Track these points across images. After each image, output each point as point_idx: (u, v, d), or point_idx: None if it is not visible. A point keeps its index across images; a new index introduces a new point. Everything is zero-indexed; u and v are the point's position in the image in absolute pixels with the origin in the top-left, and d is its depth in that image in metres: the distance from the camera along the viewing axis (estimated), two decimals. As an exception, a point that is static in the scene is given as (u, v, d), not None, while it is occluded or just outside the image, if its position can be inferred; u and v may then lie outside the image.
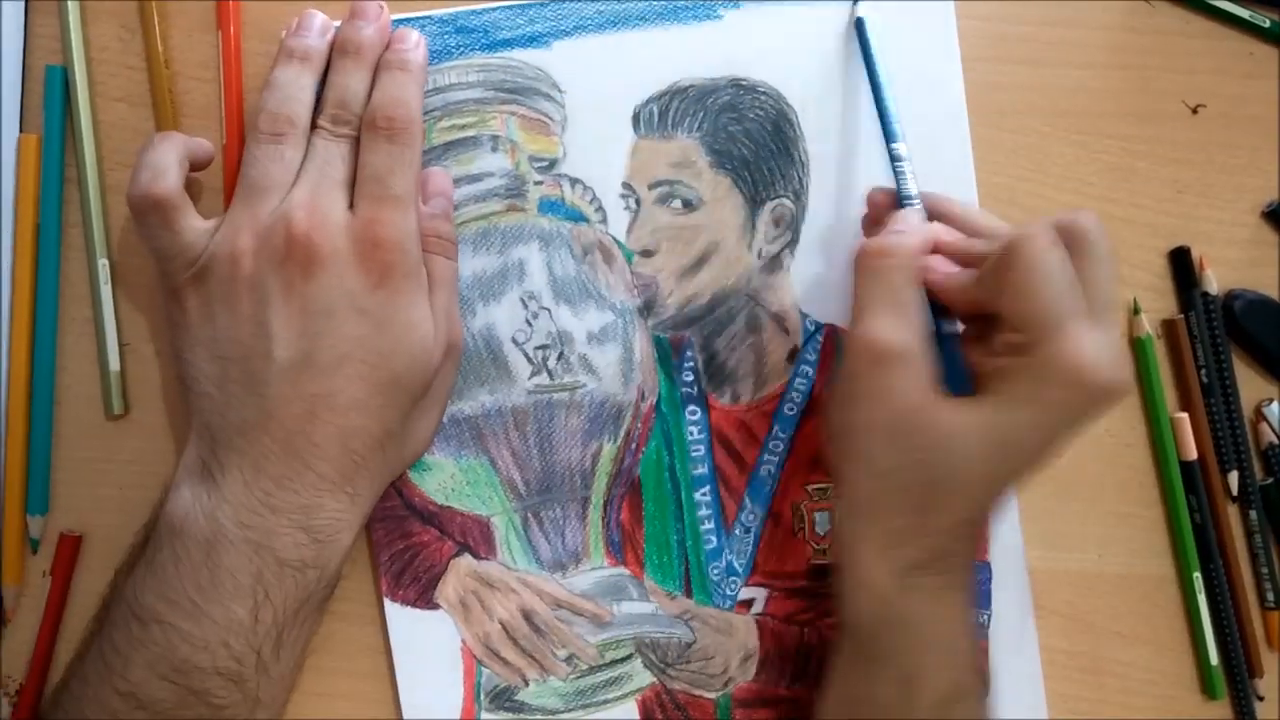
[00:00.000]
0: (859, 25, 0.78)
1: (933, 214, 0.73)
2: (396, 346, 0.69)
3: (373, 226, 0.69)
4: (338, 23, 0.75)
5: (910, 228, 0.71)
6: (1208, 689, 0.82)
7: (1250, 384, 0.83)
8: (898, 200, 0.73)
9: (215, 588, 0.67)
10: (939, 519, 0.67)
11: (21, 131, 0.77)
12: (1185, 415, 0.82)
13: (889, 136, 0.74)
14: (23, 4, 0.77)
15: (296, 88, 0.72)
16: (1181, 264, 0.82)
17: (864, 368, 0.68)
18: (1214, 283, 0.82)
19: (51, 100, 0.76)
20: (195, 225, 0.70)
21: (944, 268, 0.70)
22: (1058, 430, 0.66)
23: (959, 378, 0.68)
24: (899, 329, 0.67)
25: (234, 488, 0.67)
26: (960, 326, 0.71)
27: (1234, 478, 0.82)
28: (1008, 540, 0.80)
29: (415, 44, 0.74)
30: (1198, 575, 0.81)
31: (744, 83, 0.78)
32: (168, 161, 0.71)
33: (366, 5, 0.74)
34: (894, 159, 0.74)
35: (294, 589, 0.68)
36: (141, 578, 0.68)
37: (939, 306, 0.70)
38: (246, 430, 0.68)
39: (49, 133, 0.76)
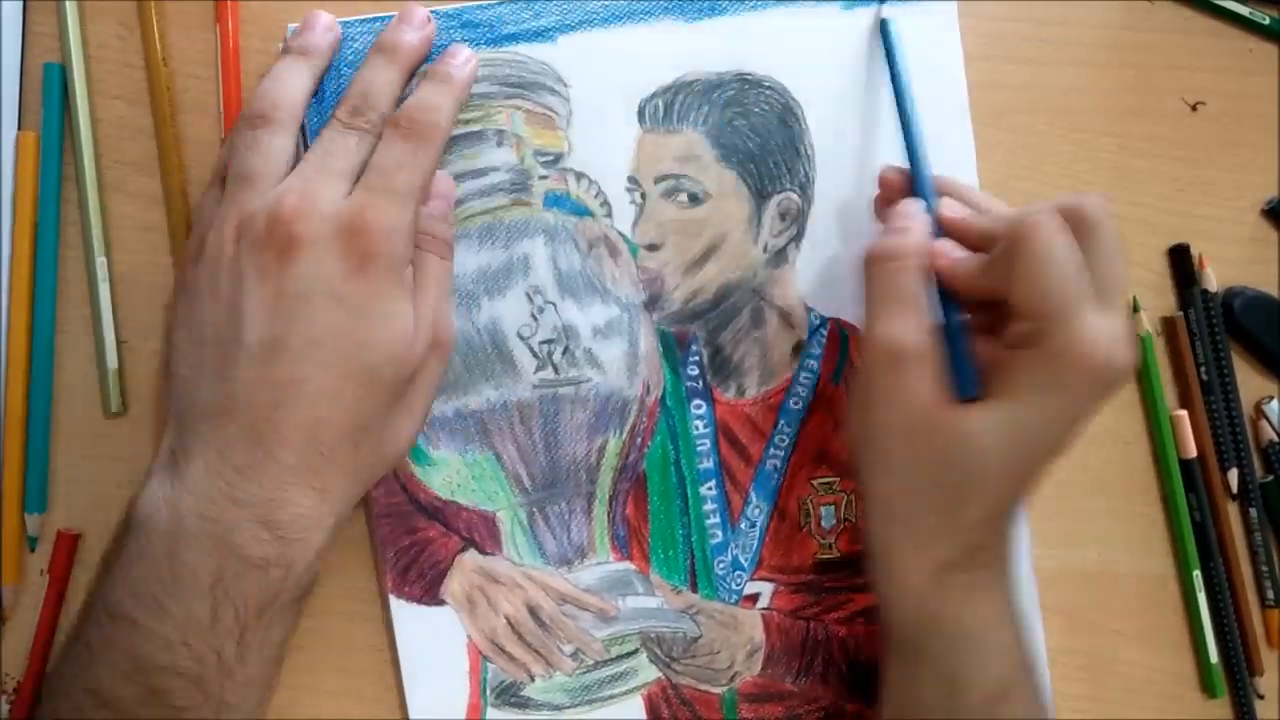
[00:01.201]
0: (884, 27, 0.78)
1: (941, 191, 0.73)
2: (372, 337, 0.67)
3: (362, 212, 0.67)
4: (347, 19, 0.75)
5: (915, 221, 0.71)
6: (1208, 687, 0.82)
7: (1250, 381, 0.84)
8: (910, 179, 0.74)
9: (176, 583, 0.64)
10: (968, 515, 0.67)
11: (20, 129, 0.76)
12: (1185, 413, 0.82)
13: (910, 138, 0.75)
14: (21, 2, 0.77)
15: (287, 75, 0.72)
16: (1181, 262, 0.83)
17: (879, 370, 0.68)
18: (1213, 280, 0.82)
19: (50, 98, 0.76)
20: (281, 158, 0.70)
21: (952, 253, 0.70)
22: (1075, 418, 0.67)
23: (967, 379, 0.68)
24: (911, 330, 0.67)
25: (197, 476, 0.65)
26: (967, 317, 0.71)
27: (1234, 475, 0.83)
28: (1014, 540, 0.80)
29: (465, 60, 0.74)
30: (1197, 573, 0.82)
31: (750, 76, 0.78)
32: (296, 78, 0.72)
33: (415, 10, 0.74)
34: (911, 153, 0.74)
35: (256, 588, 0.65)
36: (111, 572, 0.66)
37: (948, 297, 0.70)
38: (213, 415, 0.66)
39: (47, 130, 0.76)
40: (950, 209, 0.72)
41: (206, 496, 0.65)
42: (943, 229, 0.71)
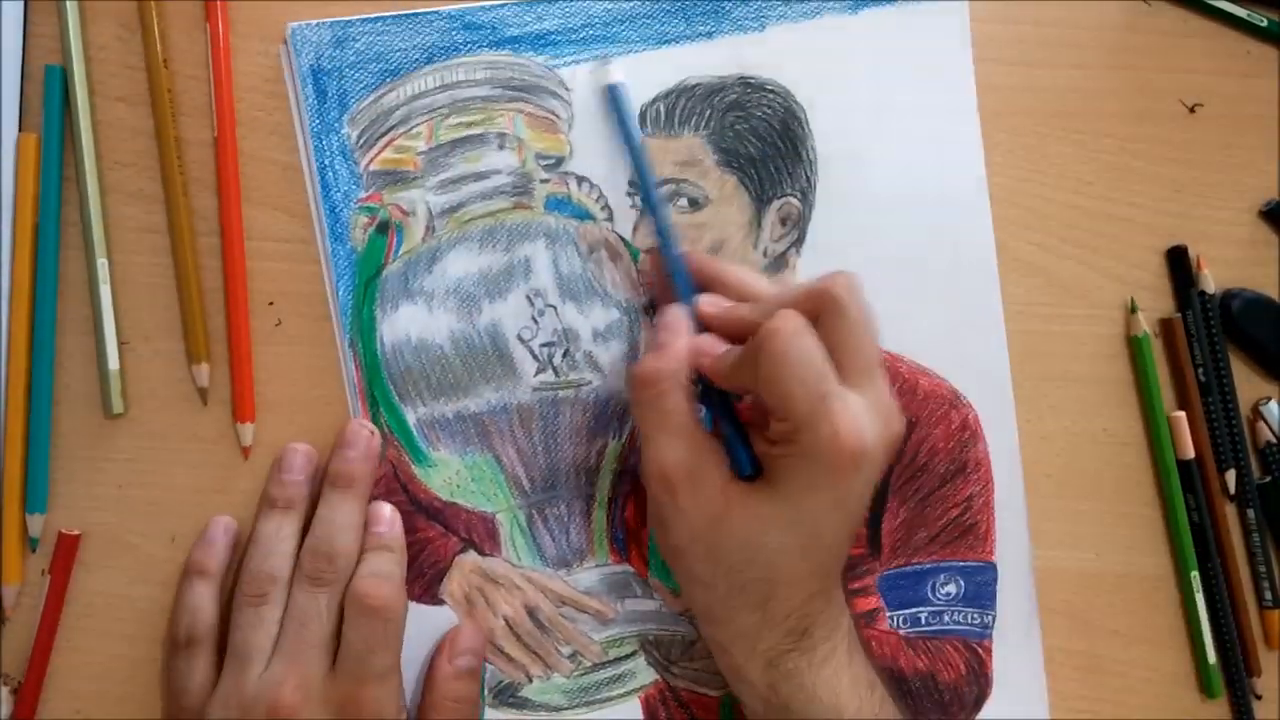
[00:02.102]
0: (613, 92, 0.77)
1: (702, 278, 0.74)
2: None
3: (351, 705, 0.69)
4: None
5: (675, 333, 0.72)
6: (1205, 688, 0.82)
7: (1248, 383, 0.84)
8: (664, 269, 0.75)
9: None
10: (780, 608, 0.68)
11: (20, 131, 0.76)
12: (1183, 414, 0.82)
13: (652, 209, 0.75)
14: (22, 4, 0.76)
15: (277, 540, 0.73)
16: (1179, 263, 0.83)
17: (660, 495, 0.69)
18: (1211, 282, 0.82)
19: (50, 100, 0.76)
20: (201, 679, 0.72)
21: (713, 350, 0.70)
22: (848, 502, 0.68)
23: (743, 461, 0.70)
24: (679, 451, 0.68)
25: None
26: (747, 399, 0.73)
27: (1232, 476, 0.83)
28: (1015, 542, 0.81)
29: (390, 522, 0.75)
30: (1195, 574, 0.82)
31: (753, 80, 0.78)
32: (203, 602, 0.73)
33: (356, 432, 0.75)
34: (661, 242, 0.75)
35: None
36: None
37: (720, 394, 0.72)
38: None
39: (48, 132, 0.76)
40: (708, 306, 0.73)
41: None
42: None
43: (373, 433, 0.75)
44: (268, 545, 0.73)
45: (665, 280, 0.75)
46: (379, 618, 0.70)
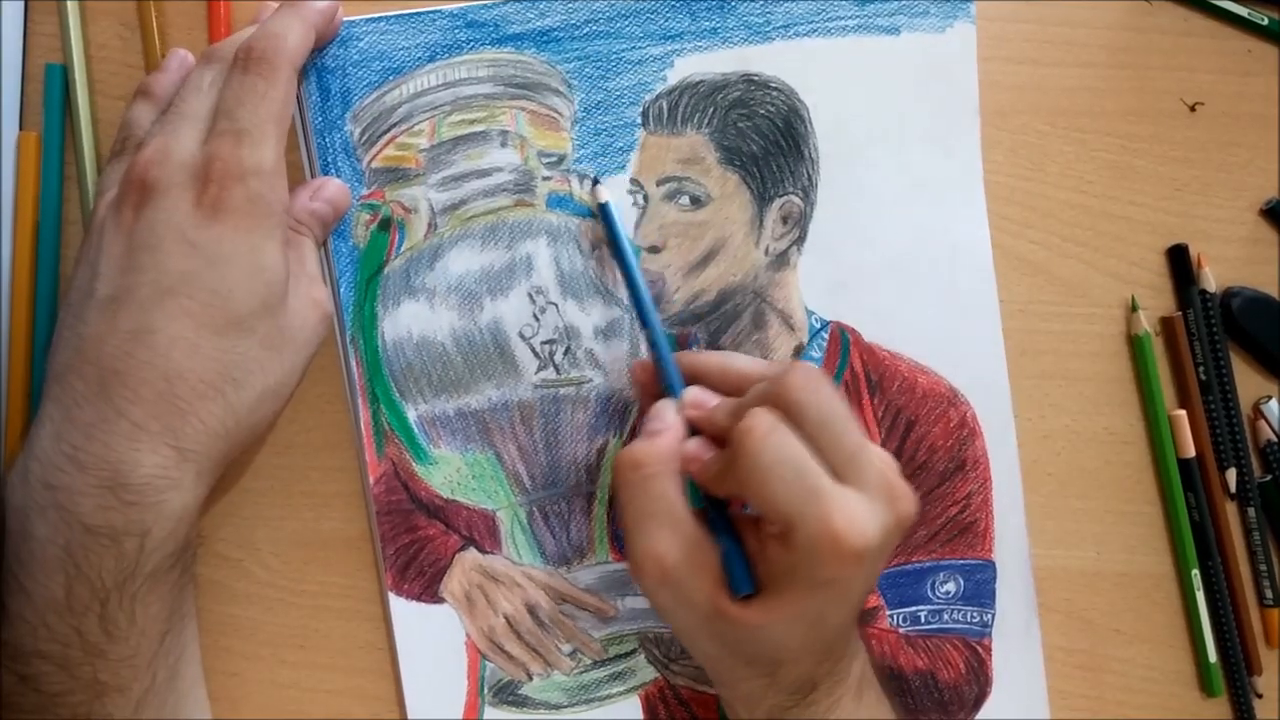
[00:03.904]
0: (605, 210, 0.77)
1: (690, 374, 0.73)
2: (235, 285, 0.65)
3: (211, 160, 0.65)
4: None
5: (665, 424, 0.70)
6: (1206, 687, 0.82)
7: (1248, 381, 0.84)
8: (659, 376, 0.73)
9: (30, 561, 0.61)
10: (784, 680, 0.67)
11: (21, 130, 0.76)
12: (1183, 413, 0.82)
13: (645, 320, 0.74)
14: (22, 3, 0.76)
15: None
16: (1180, 262, 0.83)
17: (650, 583, 0.67)
18: (1212, 280, 0.82)
19: (51, 98, 0.76)
20: None
21: (702, 455, 0.69)
22: (856, 592, 0.66)
23: (740, 580, 0.66)
24: (670, 540, 0.66)
25: (43, 442, 0.62)
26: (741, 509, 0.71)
27: (1232, 475, 0.83)
28: (1014, 540, 0.81)
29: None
30: (1196, 573, 0.82)
31: (755, 78, 0.78)
32: (141, 118, 0.72)
33: None
34: (652, 344, 0.74)
35: (111, 560, 0.61)
36: None
37: (715, 505, 0.69)
38: (62, 374, 0.64)
39: (48, 131, 0.76)
40: (694, 405, 0.71)
41: (51, 463, 0.62)
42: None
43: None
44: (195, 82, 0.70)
45: (654, 379, 0.74)
46: (252, 71, 0.67)
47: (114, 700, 0.63)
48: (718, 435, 0.69)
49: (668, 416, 0.70)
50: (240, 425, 0.66)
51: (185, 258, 0.64)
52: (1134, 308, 0.82)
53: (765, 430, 0.63)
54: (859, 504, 0.63)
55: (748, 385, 0.69)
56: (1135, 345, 0.82)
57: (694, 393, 0.71)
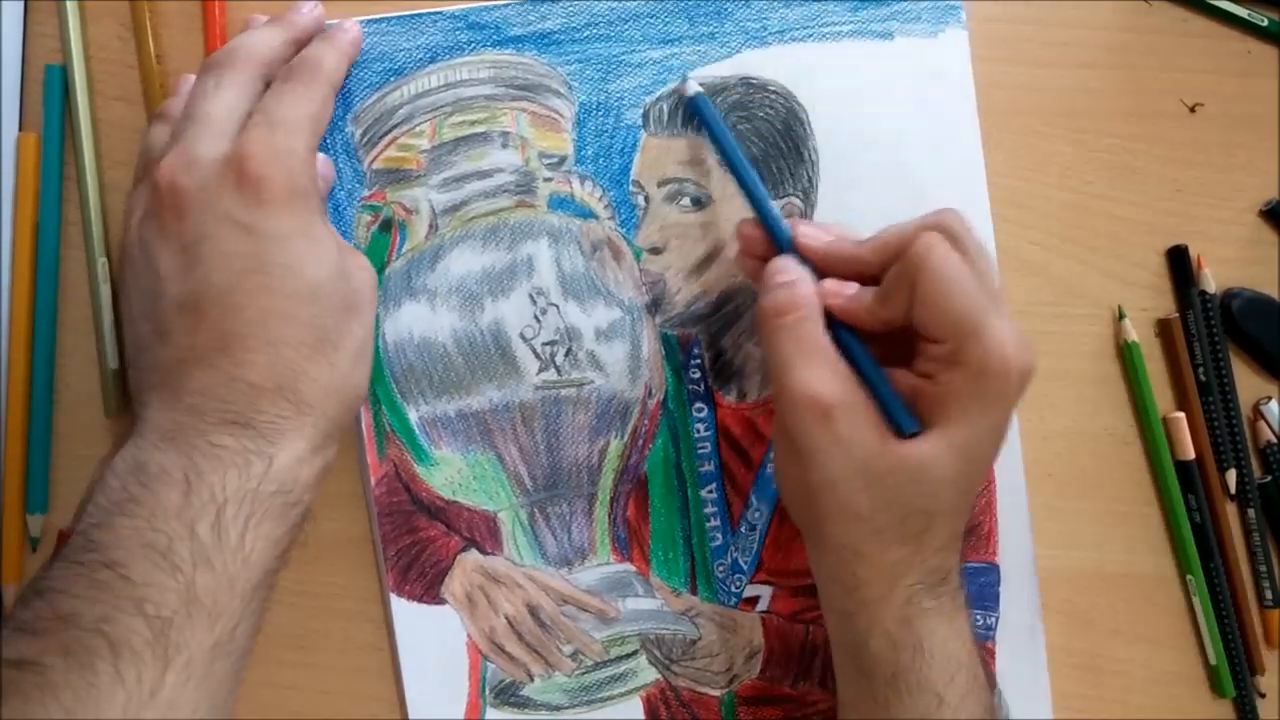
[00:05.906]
0: (695, 101, 0.77)
1: (802, 245, 0.72)
2: (305, 256, 0.66)
3: (244, 145, 0.66)
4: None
5: (795, 274, 0.70)
6: (1216, 687, 0.82)
7: (1248, 382, 0.84)
8: (773, 240, 0.72)
9: (146, 478, 0.61)
10: (931, 543, 0.67)
11: (21, 130, 0.76)
12: (1182, 415, 0.82)
13: (748, 183, 0.74)
14: (22, 4, 0.77)
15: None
16: (1179, 263, 0.83)
17: (810, 425, 0.66)
18: (1212, 281, 0.82)
19: (51, 99, 0.76)
20: None
21: (843, 290, 0.69)
22: (1004, 427, 0.67)
23: (905, 418, 0.66)
24: (830, 379, 0.66)
25: (155, 415, 0.64)
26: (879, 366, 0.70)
27: (1232, 476, 0.83)
28: (1017, 542, 0.81)
29: (351, 26, 0.74)
30: (1197, 574, 0.82)
31: (755, 80, 0.78)
32: (159, 142, 0.71)
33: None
34: (756, 204, 0.73)
35: (234, 474, 0.62)
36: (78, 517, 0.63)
37: (852, 337, 0.69)
38: (159, 385, 0.64)
39: (48, 131, 0.76)
40: (809, 237, 0.71)
41: (163, 426, 0.63)
42: (811, 262, 0.71)
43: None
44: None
45: (757, 240, 0.73)
46: (292, 78, 0.70)
47: (198, 623, 0.60)
48: (846, 272, 0.70)
49: (793, 268, 0.70)
50: (346, 384, 0.68)
51: (245, 239, 0.65)
52: (1120, 316, 0.82)
53: (947, 246, 0.65)
54: (1018, 332, 0.65)
55: (848, 249, 0.71)
56: (1125, 353, 0.82)
57: (808, 228, 0.72)
